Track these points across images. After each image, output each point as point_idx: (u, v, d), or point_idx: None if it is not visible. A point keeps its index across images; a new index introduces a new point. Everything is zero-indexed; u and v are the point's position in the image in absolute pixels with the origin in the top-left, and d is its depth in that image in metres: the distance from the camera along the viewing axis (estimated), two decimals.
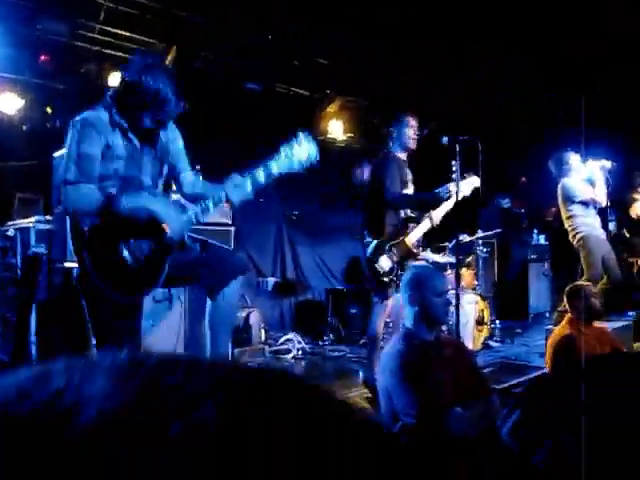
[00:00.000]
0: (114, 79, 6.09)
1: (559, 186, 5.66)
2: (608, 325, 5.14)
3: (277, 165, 2.62)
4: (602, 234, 5.62)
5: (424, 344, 2.63)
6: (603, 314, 3.95)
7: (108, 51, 6.33)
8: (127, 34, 6.30)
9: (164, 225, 2.45)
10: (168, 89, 2.39)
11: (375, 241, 4.16)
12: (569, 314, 3.75)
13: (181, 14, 6.37)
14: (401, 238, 4.16)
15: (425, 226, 4.24)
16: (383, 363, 2.64)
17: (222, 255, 2.79)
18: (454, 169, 3.90)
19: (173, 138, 2.70)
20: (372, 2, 6.20)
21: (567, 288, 3.90)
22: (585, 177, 5.59)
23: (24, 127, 6.17)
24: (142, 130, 2.49)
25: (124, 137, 2.48)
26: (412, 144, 4.24)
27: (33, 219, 4.43)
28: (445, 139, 4.04)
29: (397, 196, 4.16)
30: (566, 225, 5.67)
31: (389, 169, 4.15)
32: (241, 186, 2.57)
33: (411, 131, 4.21)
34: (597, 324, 3.75)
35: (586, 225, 5.50)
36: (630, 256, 6.94)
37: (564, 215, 5.68)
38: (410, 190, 4.31)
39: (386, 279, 4.15)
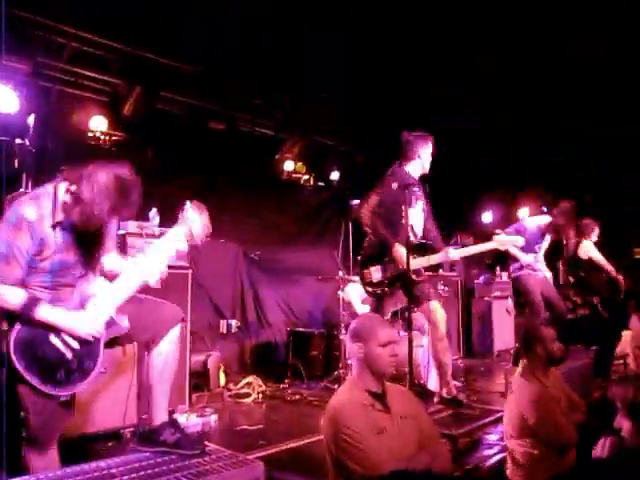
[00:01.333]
0: (76, 119, 6.09)
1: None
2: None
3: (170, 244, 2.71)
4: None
5: (370, 395, 2.60)
6: (562, 360, 3.75)
7: (70, 90, 6.32)
8: (91, 74, 6.31)
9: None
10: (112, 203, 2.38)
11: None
12: (525, 361, 3.52)
13: (145, 55, 6.41)
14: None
15: (428, 261, 4.27)
16: (329, 414, 2.60)
17: (154, 309, 2.75)
18: (403, 214, 3.94)
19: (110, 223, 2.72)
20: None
21: (522, 332, 3.74)
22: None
23: None
24: (82, 230, 2.47)
25: (62, 232, 2.47)
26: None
27: None
28: (394, 185, 4.11)
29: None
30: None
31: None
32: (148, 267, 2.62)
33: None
34: (552, 370, 3.55)
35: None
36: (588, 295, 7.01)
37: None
38: (419, 208, 4.39)
39: (370, 289, 4.14)
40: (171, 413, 4.45)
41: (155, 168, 6.68)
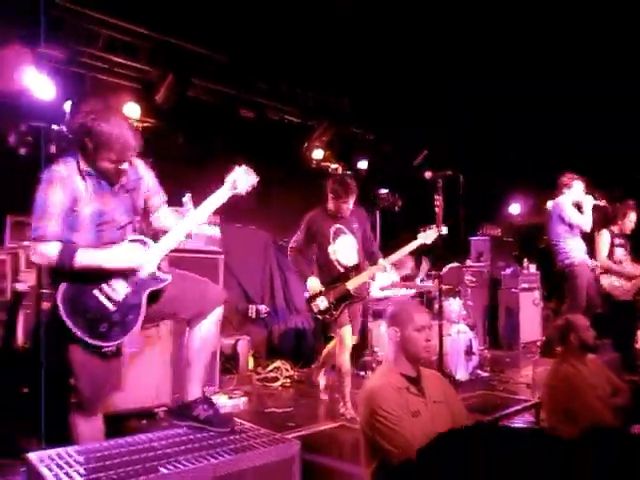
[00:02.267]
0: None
1: (551, 204, 5.57)
2: None
3: (221, 195, 2.80)
4: (587, 260, 5.49)
5: (405, 379, 2.64)
6: (597, 348, 3.83)
7: (104, 77, 6.42)
8: (124, 61, 6.40)
9: (130, 268, 2.53)
10: (119, 130, 2.47)
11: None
12: (561, 349, 3.65)
13: (177, 42, 6.49)
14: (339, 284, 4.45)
15: (368, 275, 4.57)
16: (365, 397, 2.65)
17: (199, 288, 2.81)
18: (437, 203, 3.98)
19: (143, 176, 2.78)
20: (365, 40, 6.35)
21: (558, 321, 3.83)
22: (575, 199, 5.46)
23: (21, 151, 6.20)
24: (106, 172, 2.55)
25: (92, 182, 2.55)
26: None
27: (25, 244, 4.45)
28: (428, 174, 4.16)
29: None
30: (553, 248, 5.54)
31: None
32: (199, 217, 2.76)
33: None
34: (591, 357, 3.65)
35: (573, 250, 5.39)
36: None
37: (552, 236, 5.55)
38: (343, 241, 4.55)
39: (321, 317, 4.41)
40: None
41: (186, 155, 6.79)
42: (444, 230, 4.36)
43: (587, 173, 5.56)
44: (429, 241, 4.45)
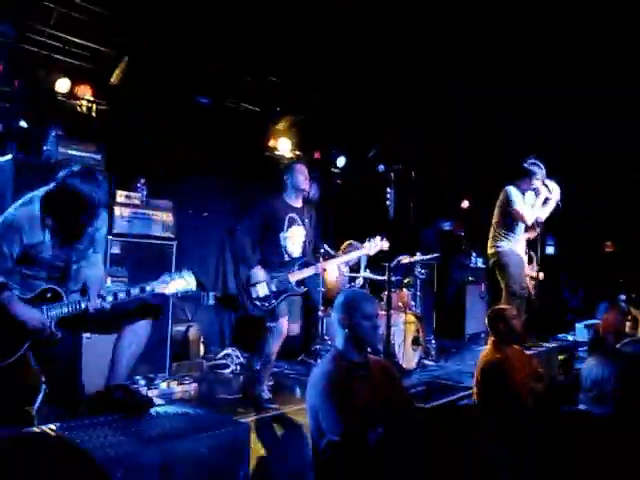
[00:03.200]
0: (62, 85, 6.05)
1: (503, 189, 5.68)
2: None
3: (152, 287, 2.98)
4: (520, 254, 5.70)
5: (352, 365, 2.74)
6: (523, 337, 4.12)
7: (57, 56, 6.26)
8: (78, 41, 6.26)
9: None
10: (96, 195, 2.77)
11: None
12: (491, 337, 3.93)
13: (133, 24, 6.38)
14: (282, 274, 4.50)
15: (310, 272, 4.62)
16: (312, 381, 2.73)
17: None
18: (388, 196, 4.08)
19: (100, 227, 3.05)
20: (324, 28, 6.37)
21: (488, 311, 4.08)
22: (528, 192, 5.57)
23: None
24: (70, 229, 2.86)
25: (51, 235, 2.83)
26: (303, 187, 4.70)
27: None
28: (381, 167, 4.28)
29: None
30: (490, 235, 5.72)
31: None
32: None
33: (302, 177, 4.67)
34: (516, 347, 3.94)
35: (508, 241, 5.57)
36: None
37: (493, 221, 5.72)
38: (294, 231, 4.61)
39: (258, 303, 4.45)
40: (152, 380, 4.59)
41: (142, 139, 6.70)
42: (386, 246, 4.51)
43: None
44: (372, 253, 4.61)
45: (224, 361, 5.82)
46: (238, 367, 5.78)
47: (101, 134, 5.76)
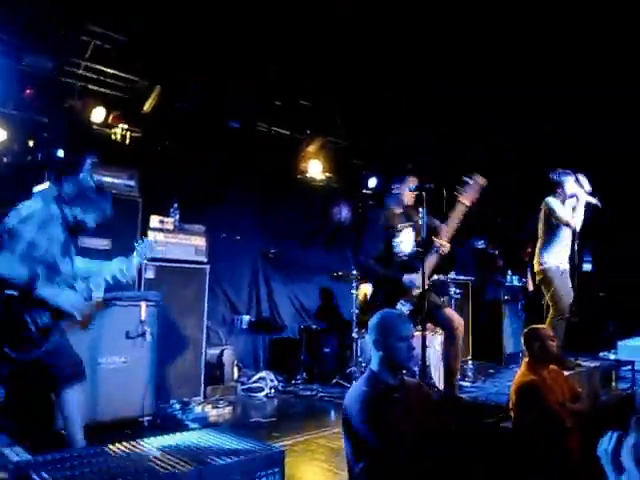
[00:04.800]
0: (97, 115, 6.21)
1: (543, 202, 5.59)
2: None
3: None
4: (566, 267, 5.54)
5: (387, 387, 2.69)
6: (559, 357, 4.00)
7: (93, 87, 6.43)
8: (112, 71, 6.42)
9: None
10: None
11: None
12: (526, 357, 3.83)
13: (165, 53, 6.52)
14: None
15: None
16: (348, 404, 2.70)
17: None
18: (420, 216, 4.04)
19: None
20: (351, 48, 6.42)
21: (524, 331, 3.99)
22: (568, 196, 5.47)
23: (5, 159, 6.21)
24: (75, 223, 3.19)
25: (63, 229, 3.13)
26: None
27: None
28: (412, 187, 4.25)
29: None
30: (536, 250, 5.60)
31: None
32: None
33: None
34: (553, 367, 3.81)
35: (553, 256, 5.45)
36: None
37: (539, 236, 5.61)
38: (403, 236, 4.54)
39: None
40: (186, 403, 4.60)
41: (175, 165, 6.82)
42: None
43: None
44: None
45: (258, 384, 5.80)
46: (272, 390, 5.75)
47: (135, 161, 5.88)
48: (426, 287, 4.10)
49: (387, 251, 4.47)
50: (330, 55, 6.53)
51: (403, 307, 4.35)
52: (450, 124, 7.86)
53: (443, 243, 4.38)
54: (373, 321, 2.88)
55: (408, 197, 4.56)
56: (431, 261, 4.37)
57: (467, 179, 4.48)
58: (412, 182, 4.46)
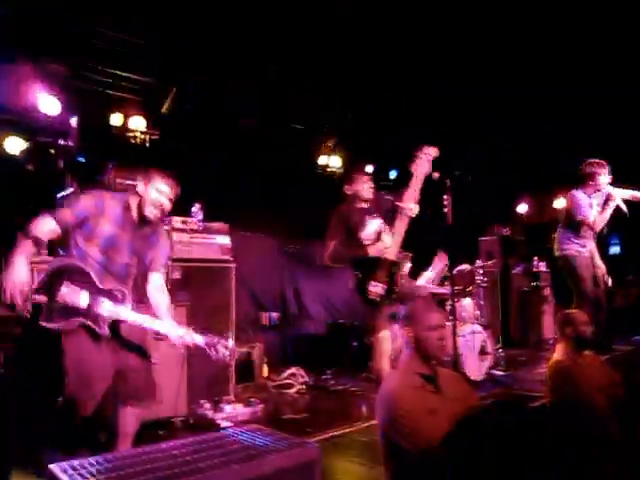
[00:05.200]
0: (115, 119, 6.23)
1: (569, 193, 5.54)
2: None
3: None
4: (588, 255, 5.50)
5: (421, 377, 2.65)
6: (593, 342, 3.91)
7: (109, 91, 6.46)
8: (127, 75, 6.44)
9: None
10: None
11: None
12: (560, 343, 3.76)
13: (178, 55, 6.53)
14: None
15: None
16: (381, 398, 2.66)
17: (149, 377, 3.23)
18: (445, 203, 3.98)
19: (162, 243, 3.30)
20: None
21: (557, 316, 3.91)
22: (595, 194, 5.39)
23: (29, 167, 6.26)
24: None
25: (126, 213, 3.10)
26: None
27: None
28: (436, 175, 4.18)
29: None
30: (556, 237, 5.58)
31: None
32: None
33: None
34: (588, 352, 3.73)
35: (575, 243, 5.42)
36: None
37: (560, 224, 5.59)
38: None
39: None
40: (217, 402, 4.58)
41: (194, 164, 6.82)
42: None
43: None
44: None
45: (289, 381, 5.78)
46: (303, 386, 5.73)
47: (155, 163, 5.89)
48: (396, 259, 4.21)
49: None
50: (330, 55, 6.52)
51: (376, 289, 4.27)
52: (450, 124, 7.79)
53: (408, 205, 4.31)
54: (403, 310, 2.84)
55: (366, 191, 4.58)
56: (401, 227, 4.33)
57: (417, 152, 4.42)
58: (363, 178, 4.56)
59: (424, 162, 4.32)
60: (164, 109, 6.57)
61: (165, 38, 6.26)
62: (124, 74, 6.40)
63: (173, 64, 6.52)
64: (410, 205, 4.25)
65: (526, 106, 7.62)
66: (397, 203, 4.26)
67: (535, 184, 9.54)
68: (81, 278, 2.92)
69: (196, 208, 4.88)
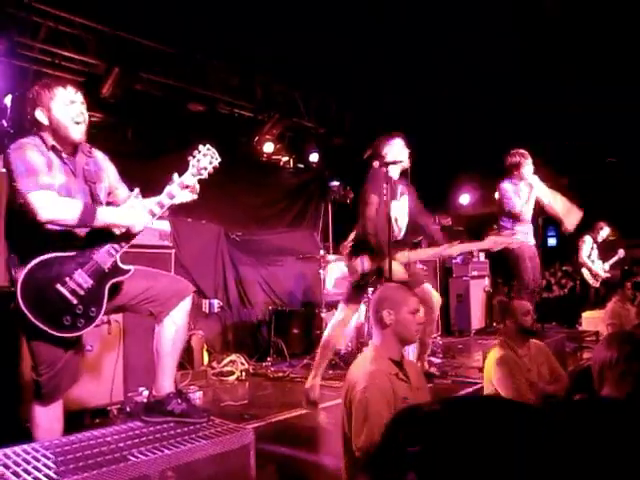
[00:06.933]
0: None
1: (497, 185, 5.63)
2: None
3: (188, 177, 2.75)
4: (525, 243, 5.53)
5: (393, 364, 2.61)
6: (535, 331, 3.91)
7: (48, 70, 6.24)
8: (68, 54, 6.24)
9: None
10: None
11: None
12: (501, 332, 3.78)
13: (124, 35, 6.37)
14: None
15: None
16: (352, 384, 2.54)
17: (168, 280, 2.79)
18: (385, 192, 4.03)
19: (104, 168, 2.81)
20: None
21: (496, 305, 3.93)
22: (521, 183, 5.48)
23: None
24: (68, 131, 2.58)
25: (58, 157, 2.57)
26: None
27: None
28: (376, 164, 4.25)
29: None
30: (495, 227, 5.69)
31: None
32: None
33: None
34: (535, 341, 3.73)
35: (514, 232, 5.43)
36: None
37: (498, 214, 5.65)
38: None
39: (357, 278, 4.26)
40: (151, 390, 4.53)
41: (134, 149, 6.68)
42: None
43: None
44: None
45: (229, 368, 5.76)
46: (243, 373, 5.72)
47: (96, 145, 5.73)
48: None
49: None
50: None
51: (365, 263, 4.24)
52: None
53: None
54: (380, 294, 2.77)
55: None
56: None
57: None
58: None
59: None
60: (105, 90, 6.39)
61: (110, 19, 6.11)
62: (65, 53, 6.20)
63: (117, 44, 6.36)
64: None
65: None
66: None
67: (480, 175, 9.74)
68: None
69: (135, 193, 4.78)
